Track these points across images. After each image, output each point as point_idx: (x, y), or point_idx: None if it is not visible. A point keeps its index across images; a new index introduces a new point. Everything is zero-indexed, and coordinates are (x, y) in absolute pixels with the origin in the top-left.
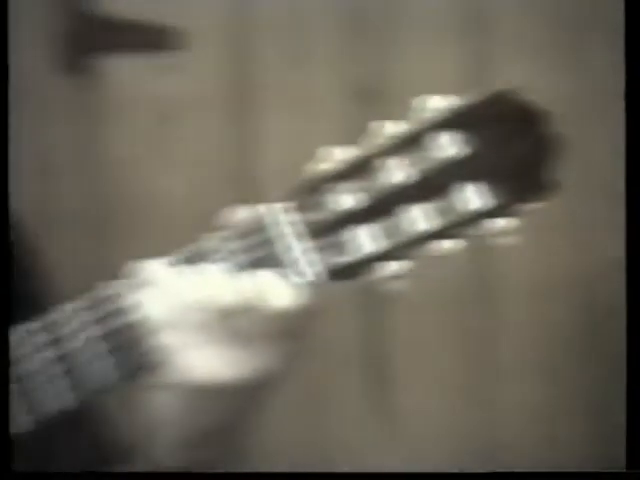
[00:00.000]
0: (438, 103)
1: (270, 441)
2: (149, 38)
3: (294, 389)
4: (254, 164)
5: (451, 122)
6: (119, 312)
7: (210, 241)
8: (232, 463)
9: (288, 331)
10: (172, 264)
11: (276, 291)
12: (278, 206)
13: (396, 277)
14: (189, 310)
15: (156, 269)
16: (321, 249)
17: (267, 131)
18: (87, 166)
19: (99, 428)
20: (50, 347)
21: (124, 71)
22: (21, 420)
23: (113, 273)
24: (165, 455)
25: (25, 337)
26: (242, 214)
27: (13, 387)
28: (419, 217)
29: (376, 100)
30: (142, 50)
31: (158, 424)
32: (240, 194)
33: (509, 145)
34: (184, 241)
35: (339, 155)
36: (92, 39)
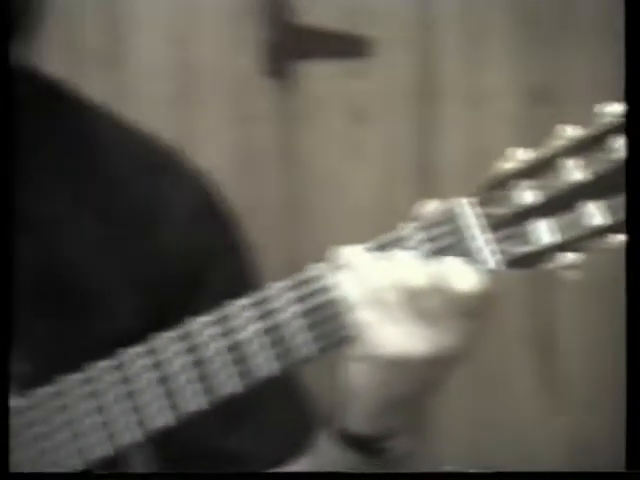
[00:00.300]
0: (616, 109)
1: (447, 415)
2: (342, 46)
3: (472, 365)
4: (437, 160)
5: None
6: (320, 291)
7: (403, 230)
8: (415, 433)
9: (470, 312)
10: (368, 250)
11: (460, 276)
12: (466, 200)
13: (571, 267)
14: (382, 291)
15: (354, 253)
16: (502, 240)
17: (449, 129)
18: (288, 160)
19: (301, 397)
20: (260, 320)
21: (320, 75)
22: (230, 383)
23: (314, 257)
24: (358, 422)
25: (239, 311)
26: (432, 206)
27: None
28: (595, 213)
29: (550, 101)
30: (336, 56)
31: (352, 393)
32: (425, 187)
33: None
34: (376, 230)
35: (522, 155)
36: (293, 47)
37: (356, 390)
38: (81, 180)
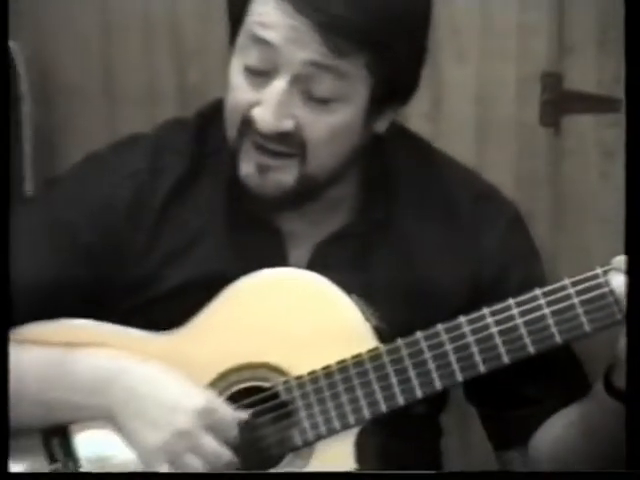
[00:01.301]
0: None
1: None
2: (599, 105)
3: None
4: None
5: None
6: (596, 287)
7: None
8: None
9: None
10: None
11: None
12: None
13: None
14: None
15: (622, 262)
16: None
17: None
18: (556, 186)
19: (579, 360)
20: (553, 304)
21: (583, 125)
22: (527, 349)
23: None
24: (623, 379)
25: (538, 297)
26: None
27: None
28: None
29: None
30: (595, 112)
31: (621, 360)
32: None
33: None
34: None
35: None
36: (564, 105)
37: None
38: (429, 205)
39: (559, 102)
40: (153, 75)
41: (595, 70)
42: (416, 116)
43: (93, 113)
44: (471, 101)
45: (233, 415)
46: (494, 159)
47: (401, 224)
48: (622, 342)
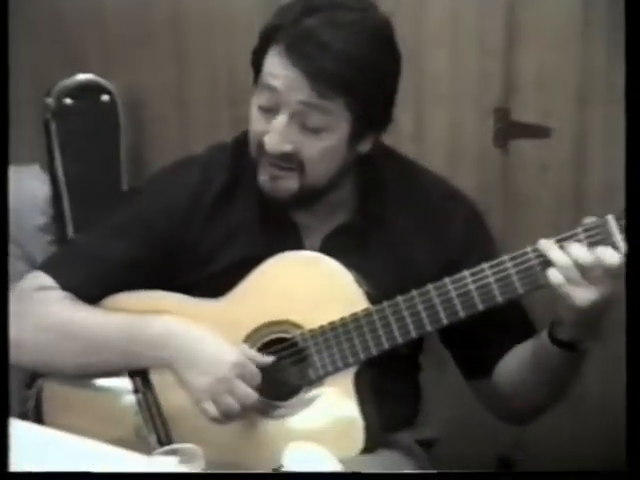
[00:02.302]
0: None
1: None
2: (534, 132)
3: None
4: None
5: None
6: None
7: (578, 230)
8: (595, 339)
9: (615, 275)
10: (559, 240)
11: (610, 257)
12: (611, 216)
13: None
14: (572, 265)
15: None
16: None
17: None
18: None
19: (527, 312)
20: (514, 267)
21: (526, 146)
22: (495, 298)
23: None
24: (567, 332)
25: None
26: (593, 218)
27: None
28: None
29: None
30: (532, 137)
31: (564, 316)
32: None
33: None
34: None
35: None
36: (511, 131)
37: (566, 315)
38: (409, 204)
39: (507, 130)
40: (214, 107)
41: (533, 106)
42: (403, 138)
43: (170, 136)
44: (444, 128)
45: (261, 361)
46: (460, 170)
47: (389, 219)
48: (561, 303)
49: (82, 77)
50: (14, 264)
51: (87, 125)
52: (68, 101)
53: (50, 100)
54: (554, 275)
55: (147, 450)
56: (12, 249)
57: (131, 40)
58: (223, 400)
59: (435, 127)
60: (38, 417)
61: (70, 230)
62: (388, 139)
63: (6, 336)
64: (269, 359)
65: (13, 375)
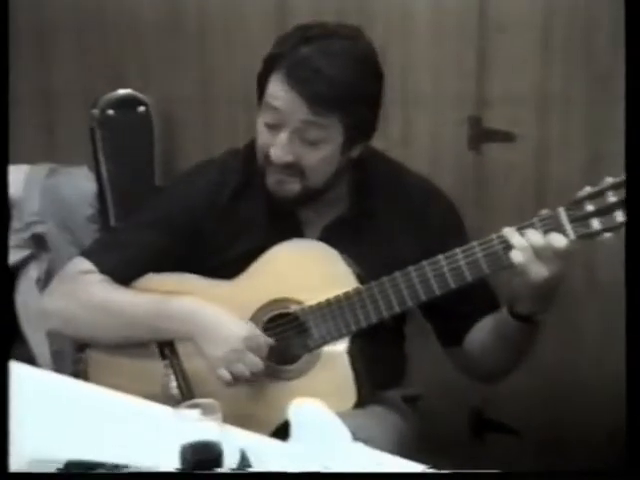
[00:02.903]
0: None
1: None
2: (500, 136)
3: None
4: None
5: None
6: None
7: (534, 220)
8: (547, 312)
9: (563, 257)
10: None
11: (560, 241)
12: (562, 208)
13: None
14: (530, 247)
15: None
16: (575, 227)
17: None
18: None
19: (492, 288)
20: (481, 252)
21: (495, 149)
22: (464, 278)
23: None
24: (524, 306)
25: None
26: (545, 210)
27: None
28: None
29: None
30: (506, 142)
31: (521, 292)
32: None
33: None
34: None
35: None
36: (480, 137)
37: (523, 291)
38: (395, 200)
39: (480, 135)
40: (233, 116)
41: (501, 116)
42: (392, 143)
43: (195, 142)
44: (426, 135)
45: (265, 340)
46: (439, 170)
47: (378, 213)
48: (516, 281)
49: (122, 92)
50: (67, 249)
51: (126, 132)
52: (110, 112)
53: (96, 111)
54: (515, 255)
55: (173, 406)
56: (65, 236)
57: (163, 59)
58: (235, 368)
59: (419, 134)
60: (85, 377)
61: (112, 221)
62: (379, 144)
63: (7, 332)
64: (271, 340)
65: (67, 339)
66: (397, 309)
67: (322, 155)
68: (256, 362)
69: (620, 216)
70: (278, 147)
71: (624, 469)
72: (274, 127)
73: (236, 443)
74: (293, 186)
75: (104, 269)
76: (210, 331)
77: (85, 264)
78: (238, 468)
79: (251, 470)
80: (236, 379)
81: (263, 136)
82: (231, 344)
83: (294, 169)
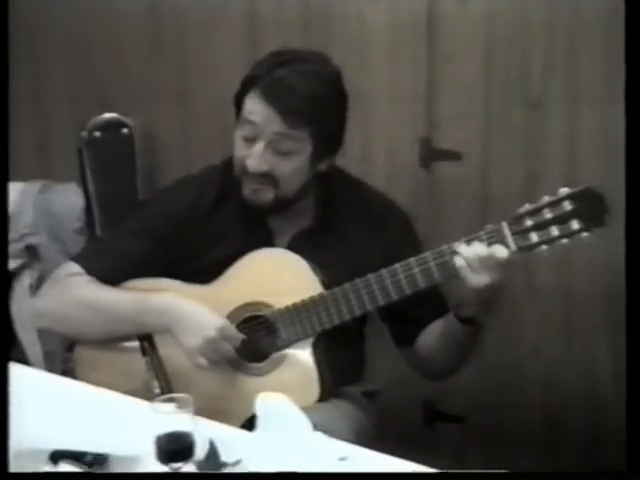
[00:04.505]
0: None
1: None
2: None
3: None
4: None
5: None
6: (450, 254)
7: (482, 232)
8: (491, 315)
9: (504, 266)
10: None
11: (501, 252)
12: (505, 223)
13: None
14: (474, 258)
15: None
16: (517, 240)
17: None
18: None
19: (442, 295)
20: (434, 261)
21: (444, 166)
22: (418, 285)
23: None
24: (469, 310)
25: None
26: (490, 225)
27: None
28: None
29: None
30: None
31: (466, 298)
32: None
33: None
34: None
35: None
36: (431, 156)
37: (467, 296)
38: (356, 212)
39: (430, 154)
40: (210, 138)
41: (449, 136)
42: (352, 160)
43: (174, 160)
44: (382, 152)
45: (238, 333)
46: (395, 185)
47: (340, 224)
48: (462, 289)
49: (108, 115)
50: (58, 258)
51: (111, 152)
52: (97, 134)
53: (84, 133)
54: (459, 261)
55: (153, 399)
56: (56, 246)
57: (145, 85)
58: (211, 355)
59: (376, 152)
60: (73, 374)
61: (99, 232)
62: (340, 162)
63: (7, 332)
64: (242, 335)
65: (57, 340)
66: (357, 312)
67: (294, 165)
68: (229, 350)
69: (575, 224)
70: (254, 157)
71: (624, 469)
72: (250, 140)
73: (206, 434)
74: (267, 194)
75: (91, 272)
76: (185, 321)
77: (74, 267)
78: (206, 456)
79: (251, 470)
80: (212, 364)
81: (240, 149)
82: (206, 333)
83: (268, 178)
